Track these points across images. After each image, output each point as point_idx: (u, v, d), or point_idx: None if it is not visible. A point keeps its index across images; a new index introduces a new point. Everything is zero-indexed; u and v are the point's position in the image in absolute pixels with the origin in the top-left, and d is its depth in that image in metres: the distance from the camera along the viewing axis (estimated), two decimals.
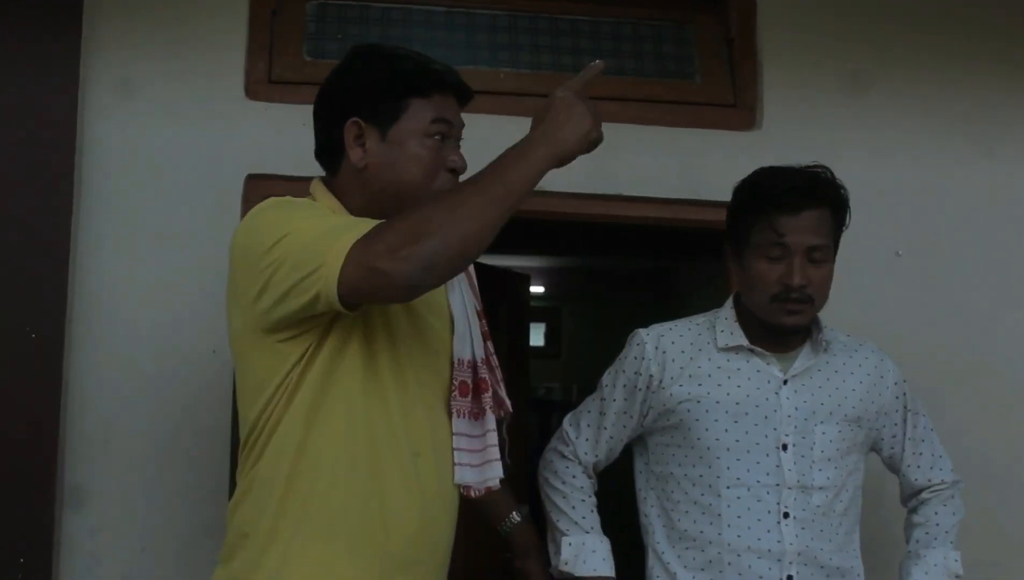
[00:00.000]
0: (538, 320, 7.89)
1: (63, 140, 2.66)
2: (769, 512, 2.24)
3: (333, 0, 2.95)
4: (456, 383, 2.00)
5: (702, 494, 2.27)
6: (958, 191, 3.03)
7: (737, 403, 2.27)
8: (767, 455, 2.25)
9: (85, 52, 2.71)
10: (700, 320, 2.40)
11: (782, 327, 2.29)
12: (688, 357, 2.32)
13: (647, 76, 3.02)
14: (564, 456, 2.43)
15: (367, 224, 1.71)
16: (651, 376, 2.32)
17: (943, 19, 3.07)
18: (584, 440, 2.41)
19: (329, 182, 1.98)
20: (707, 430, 2.27)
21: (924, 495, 2.48)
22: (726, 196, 2.93)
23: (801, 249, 2.25)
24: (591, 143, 1.80)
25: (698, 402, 2.28)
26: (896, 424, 2.44)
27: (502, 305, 3.95)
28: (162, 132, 2.76)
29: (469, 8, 3.00)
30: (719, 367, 2.31)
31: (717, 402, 2.27)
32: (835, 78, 3.02)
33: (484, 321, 2.12)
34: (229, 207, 2.75)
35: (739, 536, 2.23)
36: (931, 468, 2.48)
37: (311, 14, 2.93)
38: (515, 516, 2.40)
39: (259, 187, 2.77)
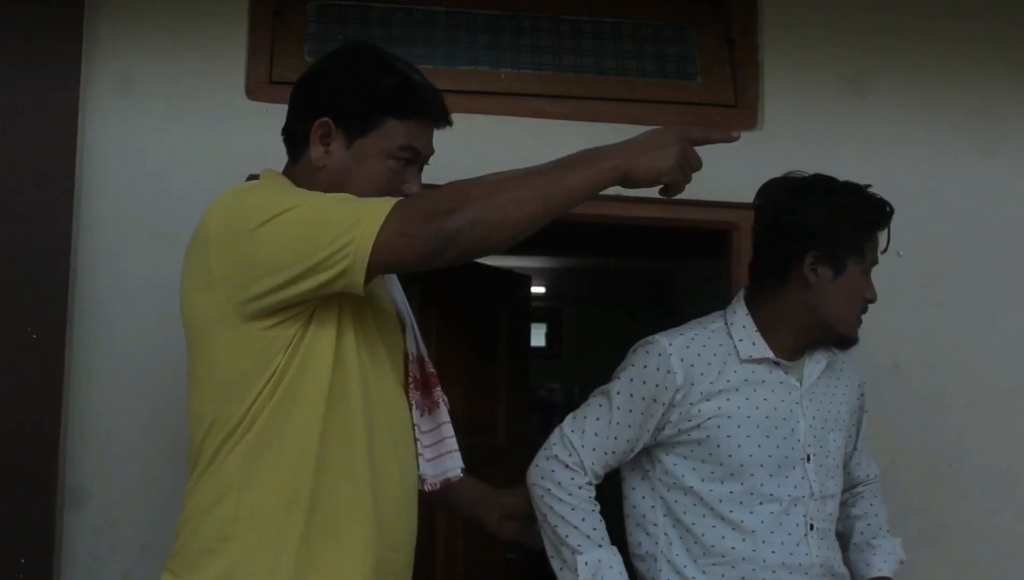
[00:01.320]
0: (539, 321, 7.90)
1: (64, 140, 2.66)
2: (797, 525, 2.20)
3: (334, 0, 2.95)
4: (410, 377, 2.00)
5: (731, 510, 2.19)
6: (959, 191, 3.03)
7: (767, 417, 2.20)
8: (794, 468, 2.21)
9: (86, 52, 2.71)
10: (713, 326, 2.29)
11: (853, 340, 2.29)
12: (716, 370, 2.22)
13: (648, 76, 3.02)
14: (569, 467, 2.25)
15: (376, 200, 1.67)
16: (677, 389, 2.20)
17: (944, 19, 3.07)
18: (591, 450, 2.25)
19: (287, 170, 1.95)
20: (740, 446, 2.18)
21: (858, 489, 2.49)
22: (727, 196, 2.94)
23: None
24: (663, 185, 1.77)
25: (729, 417, 2.19)
26: (855, 424, 2.44)
27: (503, 306, 3.96)
28: (163, 132, 2.76)
29: (470, 8, 2.99)
30: (745, 380, 2.22)
31: (748, 417, 2.19)
32: (836, 78, 3.02)
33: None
34: None
35: (774, 552, 2.17)
36: (868, 464, 2.50)
37: (312, 14, 2.93)
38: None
39: None
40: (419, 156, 1.92)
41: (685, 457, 2.23)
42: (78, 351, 2.66)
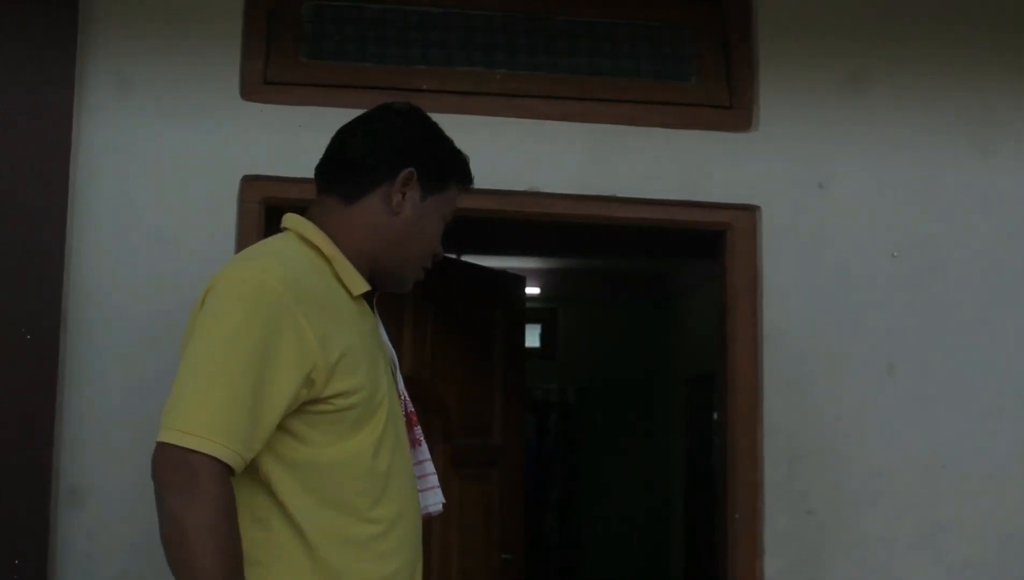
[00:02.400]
0: (534, 321, 7.90)
1: (59, 140, 2.65)
2: None
3: (329, 1, 2.95)
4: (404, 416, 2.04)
5: None
6: (955, 192, 3.03)
7: None
8: None
9: (81, 53, 2.71)
10: None
11: None
12: None
13: (643, 77, 3.02)
14: None
15: (215, 427, 1.67)
16: None
17: (941, 20, 3.07)
18: None
19: (328, 211, 1.93)
20: None
21: None
22: (722, 197, 2.95)
23: None
24: None
25: None
26: None
27: (498, 307, 3.96)
28: (158, 133, 2.76)
29: (465, 9, 2.99)
30: None
31: None
32: (832, 79, 3.02)
33: None
34: (224, 208, 2.75)
35: None
36: None
37: (307, 15, 2.93)
38: None
39: (254, 188, 2.77)
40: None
41: None
42: (72, 351, 2.66)
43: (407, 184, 1.91)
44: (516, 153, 2.89)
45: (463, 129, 2.86)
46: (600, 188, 2.92)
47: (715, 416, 2.96)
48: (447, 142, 2.00)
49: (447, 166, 1.98)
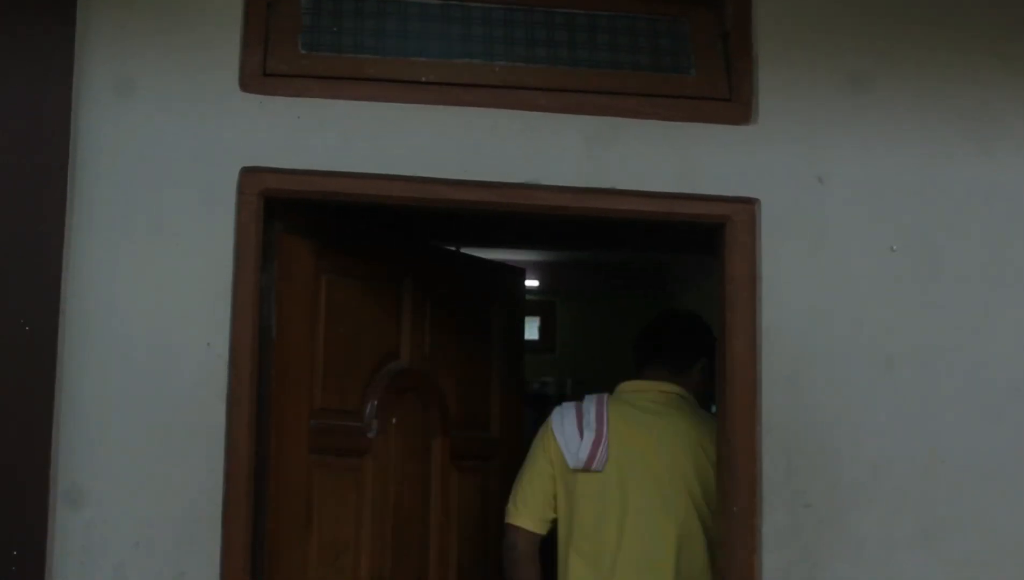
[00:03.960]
0: (533, 314, 7.89)
1: (57, 133, 2.65)
2: None
3: None
4: None
5: None
6: (954, 188, 3.02)
7: None
8: None
9: (79, 45, 2.70)
10: None
11: None
12: None
13: (642, 70, 3.01)
14: None
15: None
16: None
17: (941, 15, 3.06)
18: None
19: (670, 378, 3.40)
20: None
21: None
22: (721, 190, 2.95)
23: None
24: None
25: None
26: None
27: (497, 299, 3.95)
28: (156, 125, 2.75)
29: (464, 1, 2.99)
30: None
31: None
32: (831, 73, 3.01)
33: None
34: (223, 200, 2.74)
35: None
36: None
37: (306, 7, 2.92)
38: None
39: (253, 180, 2.76)
40: None
41: None
42: (72, 345, 2.65)
43: (702, 369, 3.33)
44: (515, 145, 2.89)
45: (462, 121, 2.88)
46: (599, 181, 2.91)
47: (713, 410, 2.96)
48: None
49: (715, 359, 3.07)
